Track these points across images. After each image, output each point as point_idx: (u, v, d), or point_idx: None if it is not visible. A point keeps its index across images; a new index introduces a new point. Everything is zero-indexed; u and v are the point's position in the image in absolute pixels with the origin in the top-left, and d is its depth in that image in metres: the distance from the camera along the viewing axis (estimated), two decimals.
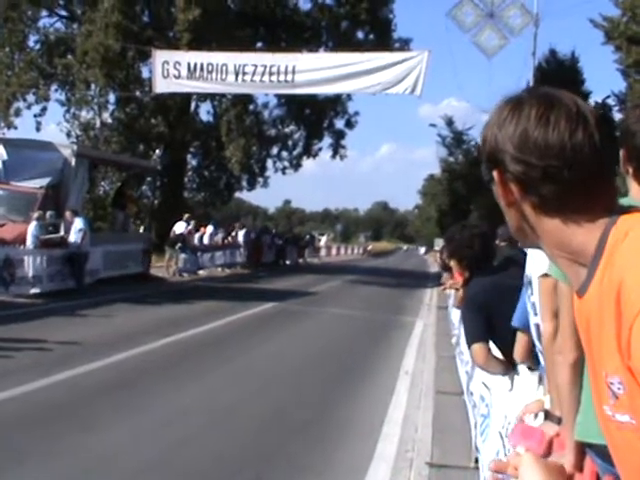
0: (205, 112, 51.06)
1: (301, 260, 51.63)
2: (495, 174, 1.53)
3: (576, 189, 1.44)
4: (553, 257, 1.54)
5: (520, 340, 4.19)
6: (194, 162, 49.42)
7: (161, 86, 24.89)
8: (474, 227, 5.37)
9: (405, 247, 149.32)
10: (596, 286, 1.38)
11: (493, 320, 4.52)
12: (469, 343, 4.81)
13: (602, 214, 1.43)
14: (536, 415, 3.77)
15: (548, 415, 3.34)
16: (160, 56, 24.85)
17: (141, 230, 30.03)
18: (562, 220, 1.46)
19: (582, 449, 2.48)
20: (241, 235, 38.10)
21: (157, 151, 42.98)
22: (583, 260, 1.44)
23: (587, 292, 1.42)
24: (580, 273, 1.45)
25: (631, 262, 1.31)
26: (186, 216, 31.15)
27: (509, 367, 4.56)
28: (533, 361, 4.19)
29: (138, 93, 39.00)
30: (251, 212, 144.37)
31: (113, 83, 37.50)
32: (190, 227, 30.38)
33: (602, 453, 2.31)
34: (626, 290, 1.28)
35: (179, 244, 28.58)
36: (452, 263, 5.37)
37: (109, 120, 42.00)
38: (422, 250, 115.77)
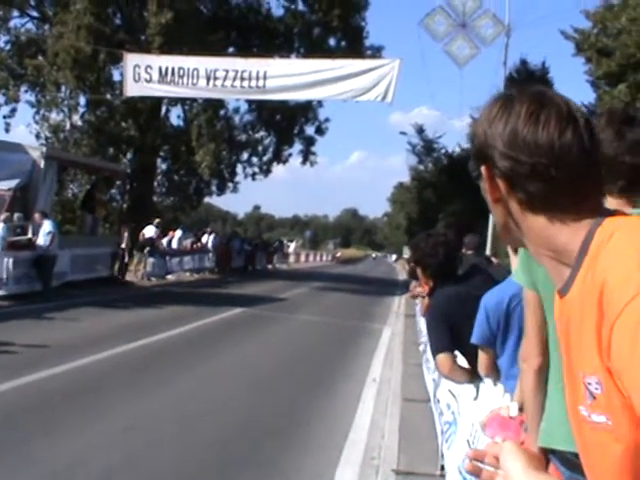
0: (176, 116, 51.09)
1: (270, 266, 51.61)
2: (483, 170, 1.54)
3: (563, 188, 1.45)
4: (537, 255, 1.54)
5: (482, 356, 4.24)
6: (164, 166, 49.14)
7: (132, 90, 24.78)
8: (439, 236, 5.37)
9: (374, 254, 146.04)
10: (578, 286, 1.39)
11: (457, 330, 4.55)
12: (434, 353, 4.84)
13: (588, 215, 1.44)
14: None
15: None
16: (131, 59, 24.74)
17: (126, 234, 29.74)
18: (548, 218, 1.47)
19: (546, 456, 2.50)
20: (210, 240, 38.03)
21: (127, 154, 42.85)
22: (567, 260, 1.45)
23: (569, 292, 1.43)
24: (563, 272, 1.46)
25: (614, 262, 1.32)
26: (156, 221, 31.06)
27: (474, 376, 4.59)
28: (497, 375, 4.24)
29: (109, 96, 38.78)
30: (220, 217, 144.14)
31: (84, 85, 37.22)
32: (157, 231, 30.27)
33: (566, 460, 2.33)
34: (608, 290, 1.29)
35: (147, 248, 28.47)
36: (418, 271, 5.39)
37: (79, 123, 41.64)
38: (393, 257, 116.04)
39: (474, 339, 4.10)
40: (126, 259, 27.40)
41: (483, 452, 1.54)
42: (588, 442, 1.41)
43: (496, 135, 1.50)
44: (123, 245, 26.92)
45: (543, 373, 2.60)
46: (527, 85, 1.59)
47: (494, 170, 1.52)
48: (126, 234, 27.82)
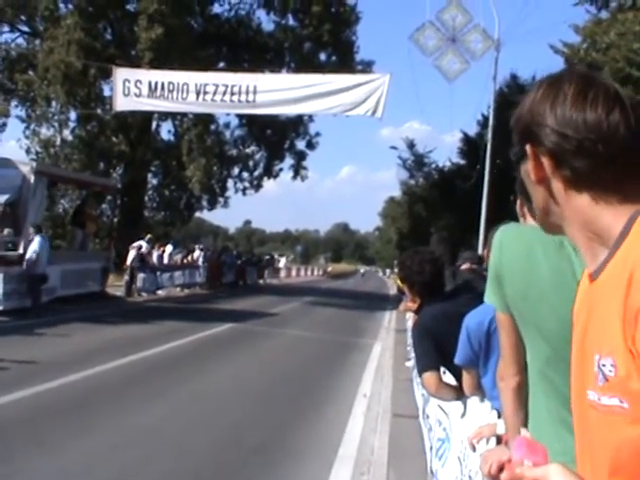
0: (166, 131, 51.18)
1: (261, 281, 51.54)
2: (528, 148, 1.56)
3: (609, 165, 1.46)
4: (575, 238, 1.55)
5: (465, 377, 4.25)
6: (155, 181, 49.27)
7: (122, 104, 24.78)
8: (426, 253, 5.36)
9: (362, 270, 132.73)
10: (611, 268, 1.41)
11: (444, 348, 4.54)
12: (420, 371, 4.84)
13: (633, 198, 1.45)
14: (488, 439, 3.81)
15: (500, 440, 3.37)
16: (121, 74, 24.75)
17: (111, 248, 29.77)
18: (592, 197, 1.48)
19: None
20: (201, 255, 37.99)
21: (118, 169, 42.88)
22: (606, 242, 1.46)
23: (601, 275, 1.44)
24: (599, 255, 1.47)
25: None
26: (148, 236, 31.05)
27: (462, 392, 4.59)
28: (482, 394, 4.25)
29: (99, 111, 38.82)
30: (211, 232, 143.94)
31: (74, 100, 37.28)
32: (148, 247, 30.25)
33: None
34: (639, 273, 1.30)
35: (137, 263, 28.45)
36: (405, 288, 5.39)
37: (70, 137, 41.71)
38: (387, 272, 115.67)
39: (457, 360, 4.11)
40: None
41: (518, 476, 1.51)
42: (593, 427, 1.40)
43: (544, 113, 1.53)
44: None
45: (521, 391, 2.61)
46: (574, 67, 1.62)
47: (540, 148, 1.54)
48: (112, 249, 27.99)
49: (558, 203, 1.55)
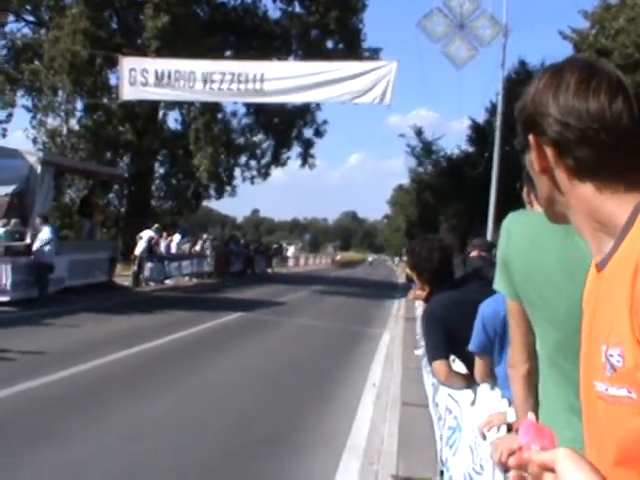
0: (173, 120, 51.05)
1: (269, 270, 51.60)
2: (531, 138, 1.55)
3: (612, 154, 1.46)
4: (581, 228, 1.54)
5: (478, 363, 4.24)
6: (162, 170, 49.27)
7: (128, 93, 24.75)
8: (435, 240, 5.34)
9: (370, 258, 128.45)
10: (617, 258, 1.40)
11: (454, 336, 4.53)
12: (430, 360, 4.83)
13: (637, 188, 1.44)
14: (498, 428, 3.79)
15: (511, 428, 3.35)
16: (127, 63, 24.72)
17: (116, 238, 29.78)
18: (595, 187, 1.47)
19: None
20: (209, 244, 38.01)
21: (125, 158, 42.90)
22: (611, 231, 1.45)
23: (607, 265, 1.43)
24: (605, 245, 1.46)
25: None
26: (155, 226, 31.03)
27: (472, 380, 4.58)
28: (493, 381, 4.24)
29: (106, 100, 38.79)
30: (219, 221, 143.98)
31: (80, 90, 37.29)
32: (156, 236, 30.25)
33: None
34: None
35: (145, 253, 28.46)
36: (413, 276, 5.37)
37: (76, 127, 41.69)
38: (396, 260, 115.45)
39: (471, 346, 4.09)
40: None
41: (525, 460, 1.50)
42: (600, 418, 1.40)
43: (547, 102, 1.52)
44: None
45: (531, 378, 2.60)
46: (577, 56, 1.61)
47: (543, 138, 1.53)
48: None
49: (562, 192, 1.55)
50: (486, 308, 4.00)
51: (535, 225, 2.43)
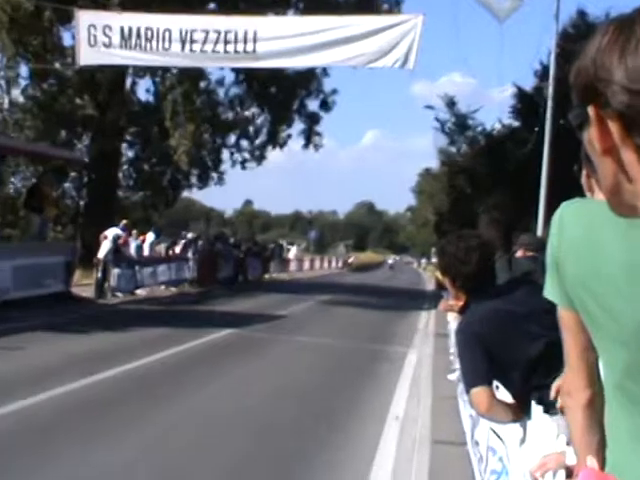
0: (144, 90, 50.68)
1: (266, 276, 51.70)
2: (591, 110, 1.50)
3: None
4: None
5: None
6: (131, 153, 49.37)
7: (87, 57, 24.67)
8: (472, 237, 5.28)
9: (391, 260, 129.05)
10: None
11: (496, 356, 4.48)
12: (467, 387, 4.75)
13: None
14: (555, 472, 3.74)
15: (571, 473, 3.31)
16: (85, 18, 24.62)
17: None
18: None
19: None
20: (191, 245, 38.01)
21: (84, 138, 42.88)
22: None
23: None
24: None
25: None
26: (123, 222, 31.00)
27: (520, 412, 4.53)
28: None
29: (58, 65, 38.75)
30: (203, 216, 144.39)
31: (25, 52, 37.20)
32: (124, 235, 30.23)
33: None
34: None
35: (111, 256, 28.44)
36: (446, 282, 5.32)
37: (20, 99, 41.71)
38: (423, 263, 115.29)
39: None
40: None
41: None
42: None
43: (611, 65, 1.47)
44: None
45: (594, 409, 2.54)
46: None
47: (606, 110, 1.48)
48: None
49: (631, 179, 1.50)
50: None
51: (594, 217, 2.36)
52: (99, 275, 28.09)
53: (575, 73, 1.55)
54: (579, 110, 1.55)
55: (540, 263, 6.92)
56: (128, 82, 44.72)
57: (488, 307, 4.75)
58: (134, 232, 33.17)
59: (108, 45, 23.93)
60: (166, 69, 40.34)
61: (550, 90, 27.77)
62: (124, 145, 47.03)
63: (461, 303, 5.17)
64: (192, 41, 23.48)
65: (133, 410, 11.26)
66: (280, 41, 23.50)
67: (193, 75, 41.07)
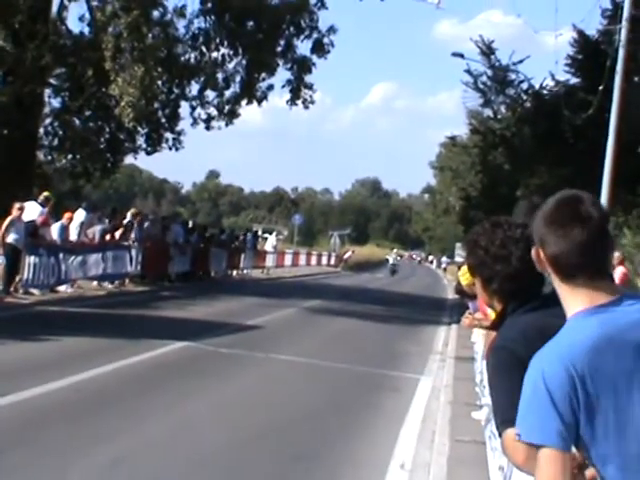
0: (76, 18, 50.17)
1: (235, 272, 51.77)
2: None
3: None
4: None
5: (550, 464, 4.12)
6: (56, 102, 49.03)
7: None
8: (512, 227, 5.17)
9: (392, 258, 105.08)
10: None
11: None
12: (500, 427, 4.60)
13: None
14: None
15: None
16: None
17: None
18: None
19: None
20: (134, 228, 37.92)
21: None
22: None
23: None
24: None
25: None
26: (44, 195, 30.90)
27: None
28: None
29: None
30: (153, 189, 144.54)
31: None
32: (44, 212, 30.13)
33: None
34: None
35: (25, 239, 28.39)
36: (476, 285, 5.26)
37: None
38: (443, 262, 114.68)
39: (533, 437, 3.94)
40: None
41: None
42: None
43: None
44: None
45: None
46: None
47: None
48: None
49: None
50: (546, 365, 3.85)
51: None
52: (4, 264, 27.86)
53: None
54: None
55: None
56: (54, 6, 44.56)
57: (531, 321, 4.68)
58: (55, 208, 33.06)
59: None
60: None
61: (623, 35, 27.72)
62: (47, 91, 46.70)
63: (492, 316, 5.13)
64: None
65: (56, 445, 11.12)
66: None
67: (143, 0, 40.87)
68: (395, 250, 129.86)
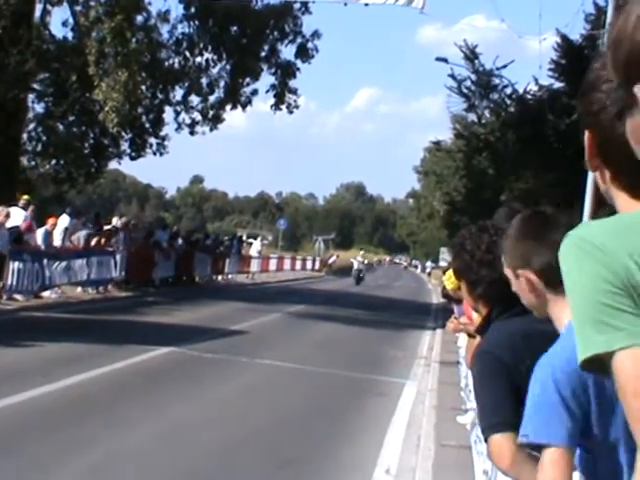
0: (59, 23, 50.21)
1: (219, 277, 51.79)
2: (637, 91, 1.48)
3: None
4: None
5: (554, 464, 4.10)
6: (39, 107, 48.98)
7: None
8: (498, 231, 5.21)
9: (355, 263, 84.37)
10: None
11: (526, 392, 4.40)
12: (486, 432, 4.59)
13: None
14: None
15: None
16: None
17: None
18: None
19: None
20: (119, 234, 37.88)
21: None
22: None
23: None
24: None
25: None
26: (24, 199, 30.84)
27: None
28: None
29: None
30: (137, 195, 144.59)
31: None
32: (27, 217, 30.07)
33: None
34: None
35: (9, 245, 28.36)
36: (462, 289, 5.28)
37: None
38: (427, 266, 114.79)
39: (536, 436, 3.90)
40: None
41: None
42: None
43: None
44: None
45: None
46: None
47: None
48: None
49: None
50: (555, 365, 3.80)
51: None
52: None
53: (613, 44, 1.54)
54: (620, 92, 1.53)
55: None
56: (38, 11, 44.54)
57: (516, 326, 4.69)
58: (38, 213, 32.99)
59: None
60: None
61: (606, 40, 27.80)
62: (31, 96, 46.67)
63: (479, 320, 5.13)
64: None
65: (39, 452, 11.12)
66: None
67: (127, 5, 40.87)
68: (362, 252, 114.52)
